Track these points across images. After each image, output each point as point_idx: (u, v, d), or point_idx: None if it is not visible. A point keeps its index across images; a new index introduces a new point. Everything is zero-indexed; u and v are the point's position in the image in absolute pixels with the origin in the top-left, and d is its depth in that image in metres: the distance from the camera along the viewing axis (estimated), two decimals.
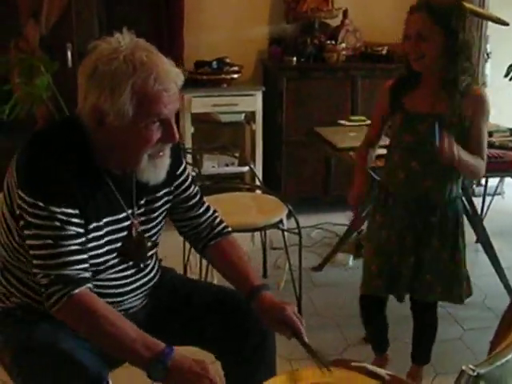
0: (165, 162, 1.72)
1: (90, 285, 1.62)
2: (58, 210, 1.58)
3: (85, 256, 1.63)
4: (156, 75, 1.57)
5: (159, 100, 1.58)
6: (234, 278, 1.91)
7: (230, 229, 2.00)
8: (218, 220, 1.99)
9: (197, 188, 1.97)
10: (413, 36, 2.23)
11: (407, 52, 2.27)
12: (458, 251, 2.43)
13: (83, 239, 1.63)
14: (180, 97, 1.75)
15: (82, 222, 1.62)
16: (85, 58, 1.62)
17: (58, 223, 1.58)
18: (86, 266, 1.63)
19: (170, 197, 1.88)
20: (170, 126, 1.64)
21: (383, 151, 2.59)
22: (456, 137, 2.20)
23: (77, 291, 1.58)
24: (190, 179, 1.94)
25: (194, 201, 1.95)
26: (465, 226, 2.48)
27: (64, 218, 1.58)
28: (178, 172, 1.89)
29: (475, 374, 1.12)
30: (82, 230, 1.62)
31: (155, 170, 1.70)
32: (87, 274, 1.63)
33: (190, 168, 1.95)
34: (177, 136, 1.67)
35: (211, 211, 1.99)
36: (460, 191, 2.45)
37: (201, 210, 1.96)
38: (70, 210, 1.59)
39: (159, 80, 1.57)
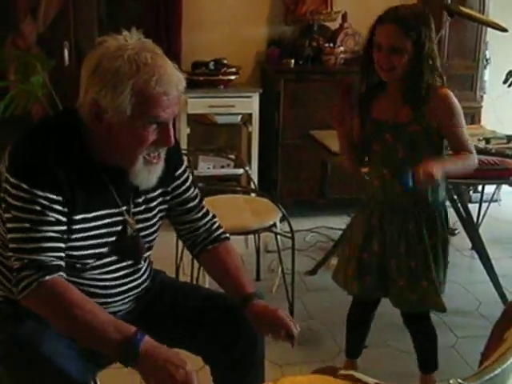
0: (158, 168, 1.72)
1: (62, 273, 1.60)
2: (42, 193, 1.57)
3: (62, 245, 1.61)
4: (158, 77, 1.57)
5: (158, 103, 1.58)
6: (227, 284, 1.90)
7: (227, 235, 1.98)
8: (216, 225, 1.97)
9: (196, 191, 1.95)
10: (384, 48, 2.21)
11: (378, 62, 2.25)
12: (430, 261, 2.35)
13: (63, 227, 1.61)
14: None
15: (65, 210, 1.61)
16: (90, 53, 1.63)
17: (38, 207, 1.57)
18: (62, 254, 1.61)
19: (167, 197, 1.87)
20: (167, 130, 1.64)
21: None
22: (423, 143, 2.26)
23: (48, 278, 1.56)
24: (189, 182, 1.92)
25: (192, 204, 1.93)
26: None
27: (46, 203, 1.57)
28: (177, 173, 1.88)
29: None
30: (63, 218, 1.61)
31: (149, 175, 1.70)
32: (61, 263, 1.60)
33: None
34: (172, 140, 1.67)
35: (210, 216, 1.97)
36: (440, 198, 2.38)
37: (199, 214, 1.95)
38: (53, 196, 1.58)
39: (160, 82, 1.57)
